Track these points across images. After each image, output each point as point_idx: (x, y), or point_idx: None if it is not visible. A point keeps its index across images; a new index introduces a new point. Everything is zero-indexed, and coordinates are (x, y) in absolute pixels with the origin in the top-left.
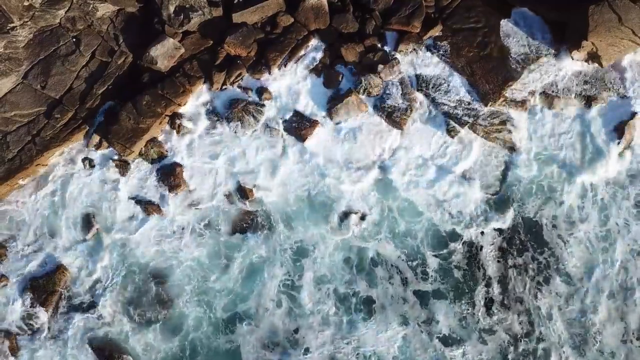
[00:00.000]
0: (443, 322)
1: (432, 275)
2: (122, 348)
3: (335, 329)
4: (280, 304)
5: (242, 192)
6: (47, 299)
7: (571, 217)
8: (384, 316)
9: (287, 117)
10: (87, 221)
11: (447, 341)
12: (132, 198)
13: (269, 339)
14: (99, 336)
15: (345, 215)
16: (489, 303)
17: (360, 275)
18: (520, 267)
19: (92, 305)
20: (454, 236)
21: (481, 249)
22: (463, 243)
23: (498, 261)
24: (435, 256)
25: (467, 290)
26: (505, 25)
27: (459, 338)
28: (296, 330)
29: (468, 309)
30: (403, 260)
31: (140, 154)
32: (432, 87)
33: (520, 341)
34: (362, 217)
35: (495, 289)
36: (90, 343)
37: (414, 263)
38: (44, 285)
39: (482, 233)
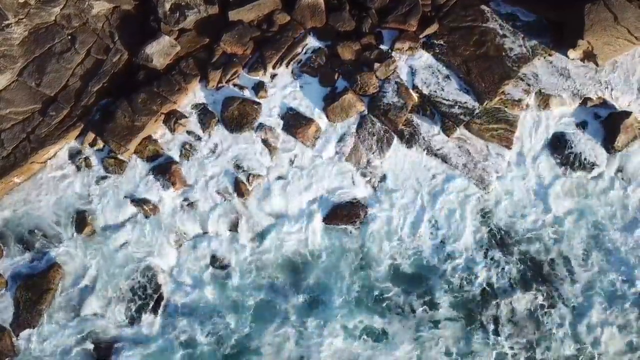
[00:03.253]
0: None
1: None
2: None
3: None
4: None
5: (238, 190)
6: (41, 296)
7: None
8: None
9: (283, 115)
10: (82, 219)
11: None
12: (128, 197)
13: None
14: (95, 336)
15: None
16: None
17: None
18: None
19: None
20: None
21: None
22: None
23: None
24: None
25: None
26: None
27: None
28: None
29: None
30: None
31: (135, 152)
32: (428, 86)
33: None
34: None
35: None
36: (87, 342)
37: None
38: (38, 284)
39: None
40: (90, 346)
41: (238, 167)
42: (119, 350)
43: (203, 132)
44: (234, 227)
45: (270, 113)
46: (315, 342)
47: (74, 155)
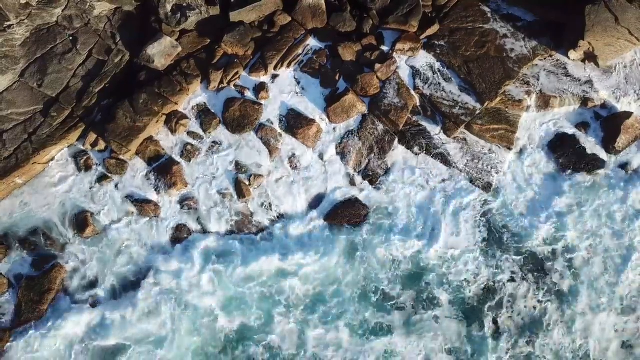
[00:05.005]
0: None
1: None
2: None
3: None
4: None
5: (239, 190)
6: (43, 297)
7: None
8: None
9: (284, 116)
10: (83, 220)
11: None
12: (129, 197)
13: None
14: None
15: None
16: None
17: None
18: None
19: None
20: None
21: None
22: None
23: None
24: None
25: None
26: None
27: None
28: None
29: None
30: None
31: (137, 153)
32: (429, 86)
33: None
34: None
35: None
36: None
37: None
38: (40, 284)
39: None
40: (92, 345)
41: (239, 167)
42: (122, 349)
43: (204, 132)
44: (234, 227)
45: (271, 114)
46: None
47: (75, 156)
